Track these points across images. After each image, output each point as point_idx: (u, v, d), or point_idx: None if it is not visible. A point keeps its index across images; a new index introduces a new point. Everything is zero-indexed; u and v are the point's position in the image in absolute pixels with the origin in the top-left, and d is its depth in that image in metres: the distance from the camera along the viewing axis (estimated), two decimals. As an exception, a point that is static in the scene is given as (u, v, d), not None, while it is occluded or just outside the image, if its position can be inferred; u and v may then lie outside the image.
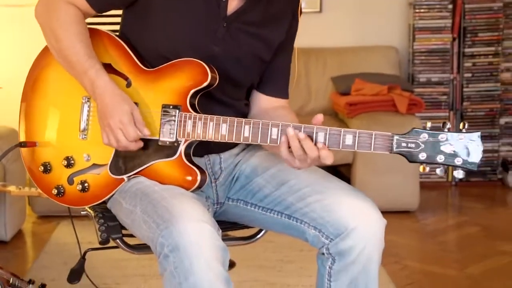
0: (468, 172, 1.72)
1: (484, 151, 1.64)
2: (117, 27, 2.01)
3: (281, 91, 2.07)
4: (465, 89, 5.22)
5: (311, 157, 1.70)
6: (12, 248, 3.82)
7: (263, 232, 2.07)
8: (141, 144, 1.82)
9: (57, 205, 1.95)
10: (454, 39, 5.20)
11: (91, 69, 1.82)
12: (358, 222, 1.75)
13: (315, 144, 1.70)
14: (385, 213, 1.87)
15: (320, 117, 1.73)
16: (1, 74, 5.02)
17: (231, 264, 1.88)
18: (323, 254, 1.81)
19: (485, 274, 3.40)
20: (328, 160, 1.71)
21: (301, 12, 2.03)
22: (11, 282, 2.34)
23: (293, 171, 1.87)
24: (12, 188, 2.83)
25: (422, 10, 5.17)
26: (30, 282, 2.40)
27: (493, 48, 5.19)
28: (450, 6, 5.16)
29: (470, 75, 5.22)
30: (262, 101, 2.05)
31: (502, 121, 5.24)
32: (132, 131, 1.79)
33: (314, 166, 1.89)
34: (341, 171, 4.79)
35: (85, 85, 1.84)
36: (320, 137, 1.71)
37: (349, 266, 1.77)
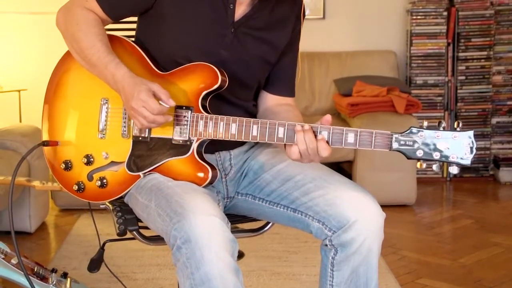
0: (462, 168, 1.72)
1: (477, 149, 1.64)
2: (133, 33, 2.00)
3: (287, 91, 2.06)
4: (459, 91, 5.21)
5: (310, 147, 1.70)
6: (36, 239, 3.83)
7: (270, 224, 2.06)
8: (169, 118, 1.78)
9: (78, 199, 1.95)
10: (448, 44, 5.19)
11: (110, 63, 1.81)
12: (359, 215, 1.74)
13: (315, 137, 1.70)
14: (384, 207, 1.87)
15: (328, 117, 1.72)
16: (27, 76, 5.05)
17: (240, 255, 1.88)
18: (326, 245, 1.80)
19: (477, 264, 3.39)
20: (325, 152, 1.70)
21: (304, 15, 2.02)
22: (35, 270, 2.34)
23: (298, 167, 1.87)
24: (36, 183, 2.82)
25: (418, 17, 5.16)
26: (53, 270, 2.40)
27: (485, 53, 5.18)
28: (445, 13, 5.16)
29: (463, 77, 5.20)
30: (269, 100, 2.04)
31: (494, 120, 5.23)
32: (153, 104, 1.74)
33: (318, 163, 1.89)
34: (343, 168, 4.78)
35: (107, 80, 1.83)
36: (324, 135, 1.70)
37: (350, 257, 1.77)
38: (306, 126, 1.71)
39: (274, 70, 2.01)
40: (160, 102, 1.75)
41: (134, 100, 1.75)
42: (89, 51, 1.83)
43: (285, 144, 1.77)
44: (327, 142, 1.70)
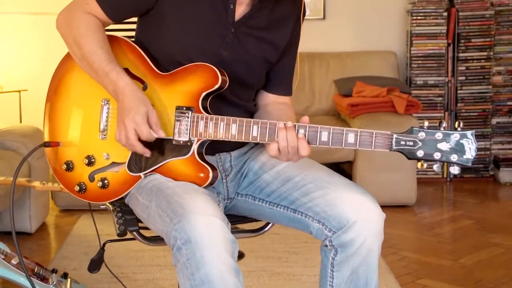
0: (462, 169, 1.71)
1: (477, 149, 1.63)
2: (133, 33, 2.00)
3: (285, 90, 2.06)
4: (459, 91, 5.21)
5: (291, 145, 1.70)
6: (37, 240, 3.83)
7: (270, 225, 2.06)
8: (147, 152, 1.81)
9: (78, 199, 1.95)
10: (448, 44, 5.19)
11: (112, 72, 1.81)
12: (359, 216, 1.74)
13: (297, 135, 1.71)
14: (384, 207, 1.86)
15: (305, 119, 1.73)
16: (27, 77, 5.05)
17: (240, 255, 1.88)
18: (326, 246, 1.80)
19: (478, 264, 3.39)
20: (305, 151, 1.70)
21: (304, 15, 2.02)
22: (35, 271, 2.34)
23: (298, 168, 1.87)
24: (36, 184, 2.82)
25: (419, 17, 5.16)
26: (53, 271, 2.40)
27: (485, 53, 5.18)
28: (445, 14, 5.16)
29: (463, 78, 5.20)
30: (265, 98, 2.05)
31: (494, 121, 5.23)
32: (145, 130, 1.77)
33: (318, 164, 1.89)
34: (343, 168, 4.78)
35: (107, 88, 1.84)
36: (324, 136, 1.70)
37: (350, 257, 1.77)
38: (289, 124, 1.72)
39: (273, 69, 2.01)
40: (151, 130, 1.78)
41: (128, 118, 1.77)
42: (90, 58, 1.83)
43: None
44: (308, 141, 1.71)
